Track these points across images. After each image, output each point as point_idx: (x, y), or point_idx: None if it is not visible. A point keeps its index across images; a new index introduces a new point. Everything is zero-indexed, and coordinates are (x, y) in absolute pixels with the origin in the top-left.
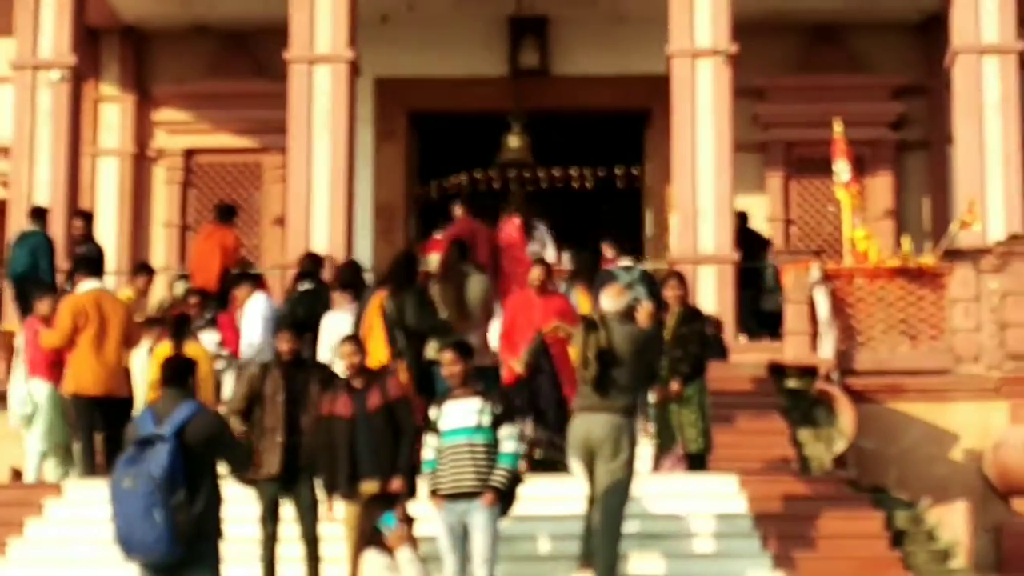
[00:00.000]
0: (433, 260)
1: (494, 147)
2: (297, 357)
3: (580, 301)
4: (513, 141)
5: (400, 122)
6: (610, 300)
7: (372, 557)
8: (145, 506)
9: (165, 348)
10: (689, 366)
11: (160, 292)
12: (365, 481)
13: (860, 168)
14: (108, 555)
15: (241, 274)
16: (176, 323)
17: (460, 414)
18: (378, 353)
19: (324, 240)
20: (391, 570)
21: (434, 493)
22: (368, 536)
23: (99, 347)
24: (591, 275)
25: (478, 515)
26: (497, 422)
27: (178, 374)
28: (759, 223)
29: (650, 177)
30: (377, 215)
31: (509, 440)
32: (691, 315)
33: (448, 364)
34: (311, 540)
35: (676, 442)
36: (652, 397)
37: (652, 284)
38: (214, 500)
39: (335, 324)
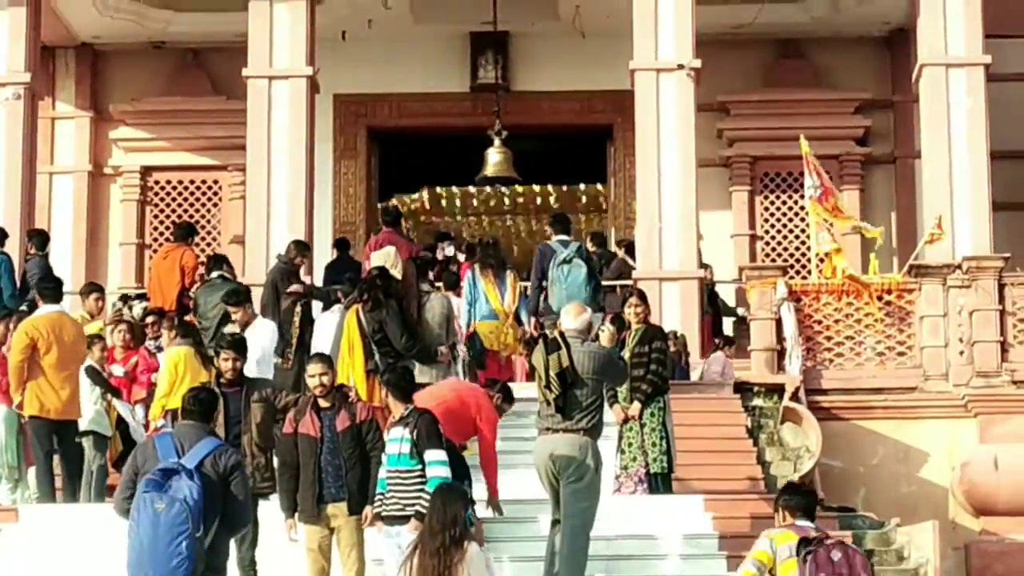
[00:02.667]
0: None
1: (456, 163)
2: (240, 376)
3: (488, 290)
4: (494, 156)
5: (360, 139)
6: (571, 318)
7: (477, 552)
8: (175, 533)
9: (186, 353)
10: (651, 385)
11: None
12: (331, 504)
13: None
14: None
15: (235, 291)
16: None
17: (392, 442)
18: (359, 371)
19: (279, 248)
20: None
21: (378, 515)
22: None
23: (60, 371)
24: (497, 263)
25: (404, 540)
26: (419, 449)
27: (203, 407)
28: (723, 240)
29: (614, 193)
30: (337, 233)
31: (433, 466)
32: (652, 333)
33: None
34: (247, 565)
35: (637, 463)
36: (613, 417)
37: (589, 260)
38: (224, 540)
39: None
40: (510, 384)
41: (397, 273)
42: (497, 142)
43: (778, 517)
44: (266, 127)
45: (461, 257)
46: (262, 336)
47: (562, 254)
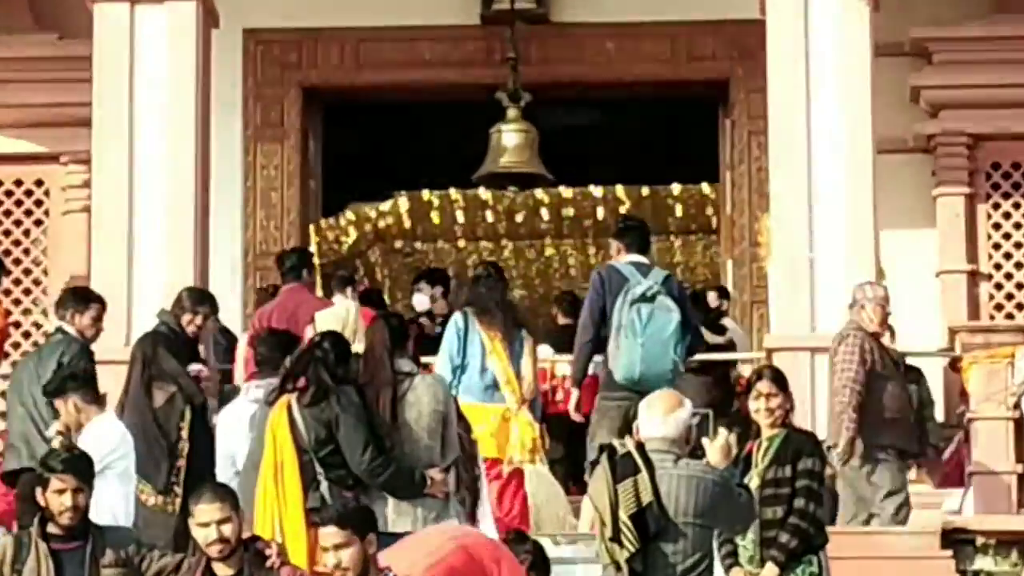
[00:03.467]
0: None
1: (454, 152)
2: (83, 522)
3: (491, 349)
4: (508, 138)
5: (291, 107)
6: (657, 417)
7: None
8: None
9: None
10: (795, 535)
11: None
12: None
13: None
14: None
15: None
16: None
17: None
18: (293, 514)
19: (155, 304)
20: None
21: None
22: None
23: None
24: (504, 308)
25: None
26: None
27: None
28: (922, 279)
29: (731, 200)
30: (252, 267)
31: None
32: (798, 445)
33: (331, 546)
34: None
35: None
36: None
37: (682, 300)
38: None
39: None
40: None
41: (358, 343)
42: (513, 112)
43: None
44: (126, 89)
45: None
46: (100, 447)
47: (640, 286)
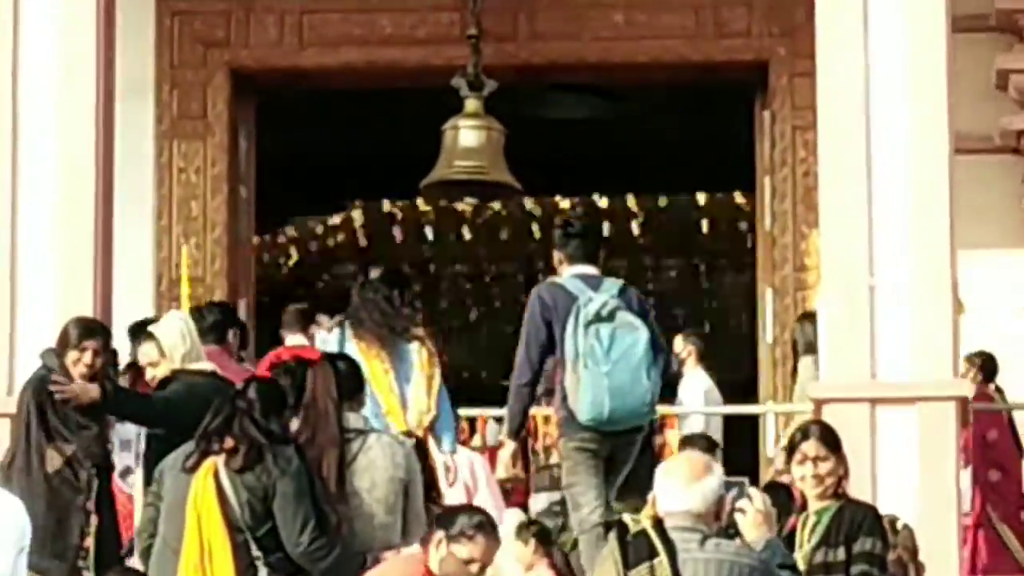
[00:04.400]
0: None
1: (424, 149)
2: None
3: (371, 375)
4: (465, 136)
5: (216, 94)
6: (679, 485)
7: None
8: None
9: None
10: None
11: None
12: None
13: None
14: None
15: None
16: None
17: None
18: None
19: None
20: None
21: None
22: None
23: None
24: (390, 316)
25: None
26: None
27: None
28: (1016, 310)
29: (770, 212)
30: (166, 298)
31: None
32: (856, 520)
33: None
34: None
35: None
36: None
37: (645, 315)
38: None
39: None
40: None
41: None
42: (472, 103)
43: None
44: (8, 70)
45: None
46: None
47: (592, 303)
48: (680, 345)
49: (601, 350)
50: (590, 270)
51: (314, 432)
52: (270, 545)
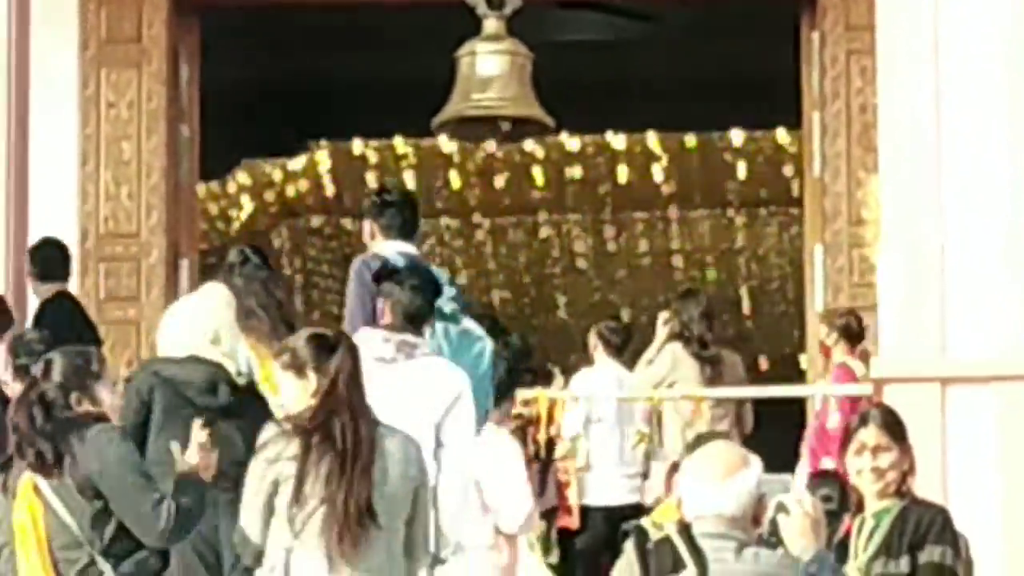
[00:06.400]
0: None
1: (407, 78)
2: None
3: (265, 369)
4: (485, 64)
5: (153, 12)
6: (708, 484)
7: None
8: None
9: None
10: None
11: None
12: None
13: None
14: None
15: None
16: None
17: None
18: None
19: None
20: None
21: None
22: None
23: None
24: (263, 307)
25: None
26: None
27: None
28: None
29: (821, 155)
30: (93, 257)
31: None
32: (924, 522)
33: None
34: None
35: None
36: None
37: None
38: None
39: None
40: None
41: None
42: (493, 24)
43: None
44: None
45: None
46: None
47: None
48: (592, 339)
49: (449, 352)
50: (408, 248)
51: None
52: (121, 552)
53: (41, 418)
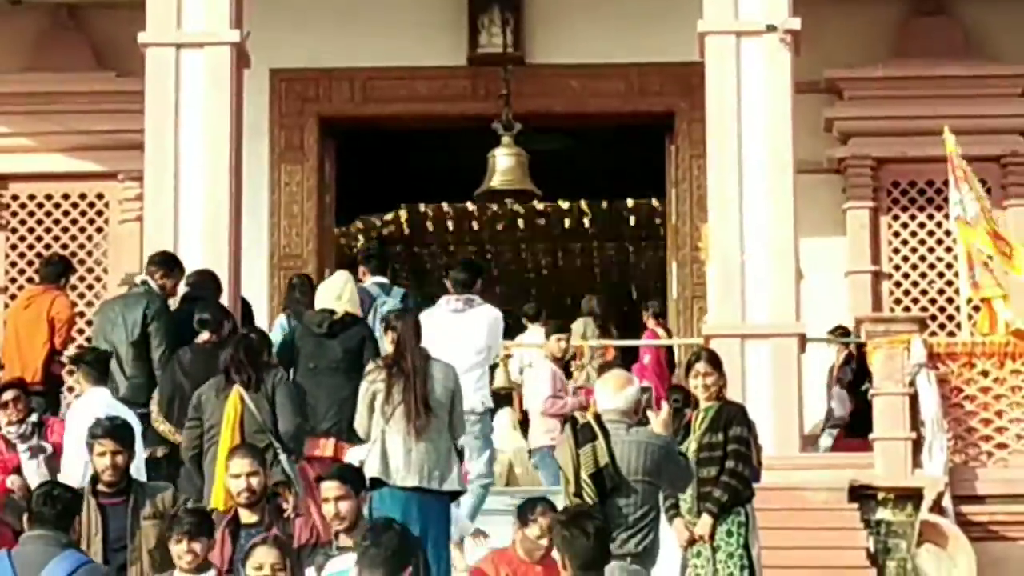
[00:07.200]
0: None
1: (449, 169)
2: (125, 479)
3: None
4: (503, 159)
5: (308, 133)
6: (609, 393)
7: None
8: None
9: None
10: (727, 491)
11: None
12: None
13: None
14: None
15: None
16: None
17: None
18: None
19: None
20: None
21: None
22: None
23: None
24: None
25: None
26: None
27: (58, 510)
28: (834, 280)
29: (676, 212)
30: (277, 268)
31: None
32: (730, 415)
33: (330, 499)
34: None
35: None
36: (673, 536)
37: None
38: None
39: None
40: None
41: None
42: (507, 139)
43: None
44: (172, 117)
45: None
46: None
47: (385, 304)
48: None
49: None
50: (382, 279)
51: (403, 358)
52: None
53: (248, 358)
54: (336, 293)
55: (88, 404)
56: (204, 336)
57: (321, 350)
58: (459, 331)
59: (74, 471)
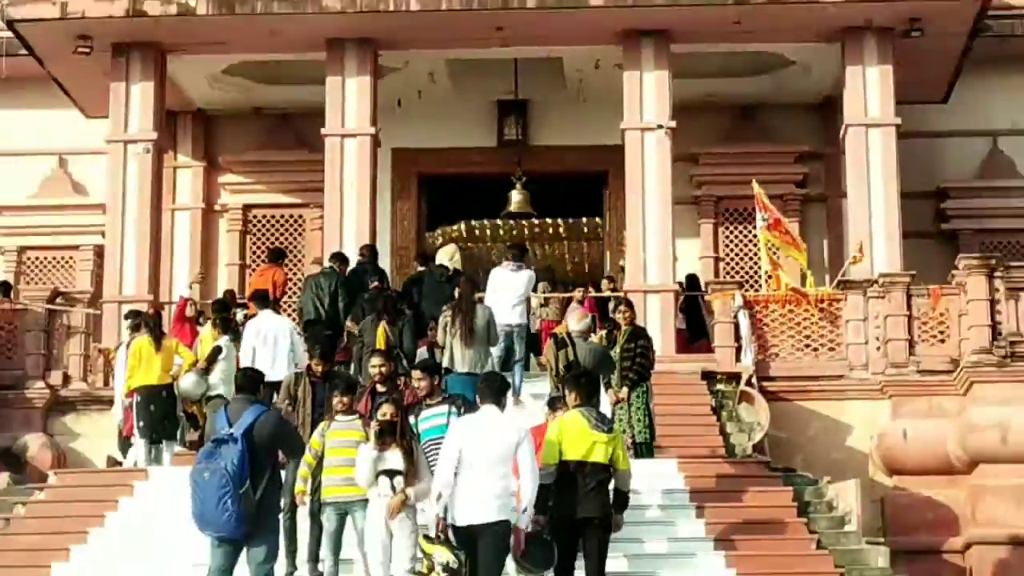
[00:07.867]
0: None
1: (486, 202)
2: (328, 372)
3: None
4: (516, 196)
5: (411, 183)
6: (574, 321)
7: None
8: (220, 495)
9: (142, 342)
10: (636, 374)
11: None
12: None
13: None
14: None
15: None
16: (151, 322)
17: (432, 419)
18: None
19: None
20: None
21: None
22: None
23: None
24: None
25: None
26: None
27: (249, 383)
28: (694, 261)
29: (609, 225)
30: (393, 256)
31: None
32: (638, 333)
33: (417, 380)
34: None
35: (626, 434)
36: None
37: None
38: (272, 486)
39: None
40: None
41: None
42: (518, 185)
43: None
44: (339, 174)
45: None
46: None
47: (512, 280)
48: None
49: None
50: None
51: (462, 305)
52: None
53: (387, 306)
54: (449, 256)
55: (263, 319)
56: (375, 283)
57: (440, 289)
58: (513, 282)
59: (261, 359)
